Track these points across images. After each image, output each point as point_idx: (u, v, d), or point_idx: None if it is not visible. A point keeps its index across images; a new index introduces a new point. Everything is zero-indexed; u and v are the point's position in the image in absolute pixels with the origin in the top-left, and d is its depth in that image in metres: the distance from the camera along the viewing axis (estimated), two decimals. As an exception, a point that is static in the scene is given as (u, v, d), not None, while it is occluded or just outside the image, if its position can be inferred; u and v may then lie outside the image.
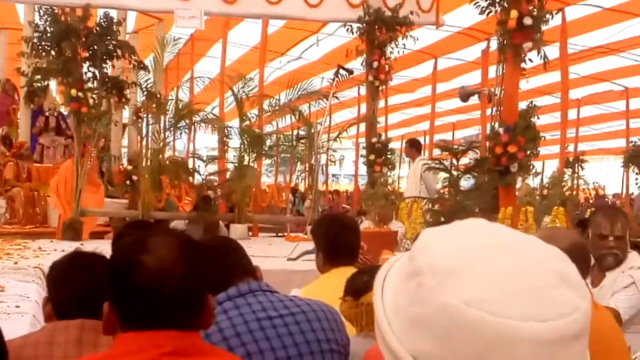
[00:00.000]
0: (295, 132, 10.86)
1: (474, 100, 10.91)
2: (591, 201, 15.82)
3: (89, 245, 5.40)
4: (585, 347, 0.83)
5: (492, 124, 6.67)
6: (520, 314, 0.76)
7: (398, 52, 8.99)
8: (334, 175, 32.24)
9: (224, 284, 2.23)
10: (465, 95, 10.46)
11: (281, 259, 5.79)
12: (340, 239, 3.31)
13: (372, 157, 8.73)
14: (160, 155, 8.66)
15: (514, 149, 6.13)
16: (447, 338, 0.78)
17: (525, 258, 0.82)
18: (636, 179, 12.69)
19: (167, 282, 1.42)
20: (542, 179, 16.44)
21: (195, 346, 1.47)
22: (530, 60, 6.64)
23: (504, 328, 0.75)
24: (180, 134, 9.90)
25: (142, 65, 8.04)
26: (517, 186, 13.82)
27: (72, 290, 2.09)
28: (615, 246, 4.06)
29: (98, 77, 7.73)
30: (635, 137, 13.20)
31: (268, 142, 9.28)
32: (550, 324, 0.77)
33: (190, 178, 8.79)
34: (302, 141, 9.76)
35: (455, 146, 5.83)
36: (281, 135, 10.55)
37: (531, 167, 7.71)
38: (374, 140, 8.83)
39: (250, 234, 8.67)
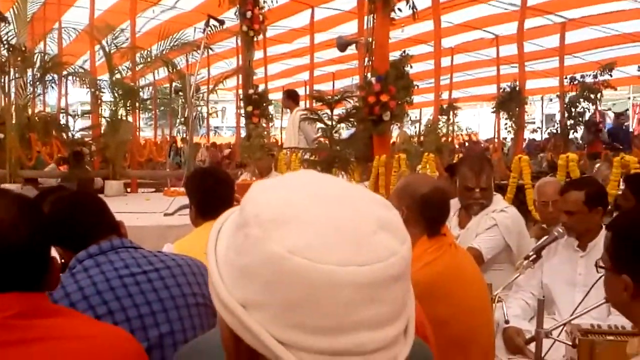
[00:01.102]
0: (172, 84, 10.62)
1: (352, 50, 11.01)
2: (466, 145, 16.42)
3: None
4: (405, 287, 0.87)
5: (365, 73, 6.75)
6: (340, 259, 0.80)
7: (272, 1, 8.90)
8: (216, 128, 31.88)
9: (85, 242, 2.17)
10: (342, 45, 10.51)
11: (158, 215, 5.69)
12: (212, 192, 3.29)
13: (249, 108, 8.67)
14: (30, 112, 8.25)
15: (386, 98, 6.23)
16: (273, 285, 0.81)
17: (348, 207, 0.85)
18: (506, 124, 13.23)
19: (5, 243, 1.37)
20: (419, 127, 16.97)
21: (41, 307, 1.43)
22: (400, 9, 6.73)
23: (325, 273, 0.79)
24: (46, 88, 9.42)
25: (1, 17, 7.57)
26: (396, 134, 14.16)
27: None
28: (481, 197, 4.28)
29: (-47, 31, 7.24)
30: (505, 83, 13.74)
31: (144, 95, 9.02)
32: (368, 267, 0.80)
33: (62, 134, 8.44)
34: (180, 94, 9.56)
35: (329, 96, 5.87)
36: (158, 88, 10.27)
37: (405, 115, 7.91)
38: (251, 91, 8.76)
39: (129, 190, 8.47)
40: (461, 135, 16.35)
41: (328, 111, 5.86)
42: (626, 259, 1.89)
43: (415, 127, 19.00)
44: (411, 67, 9.47)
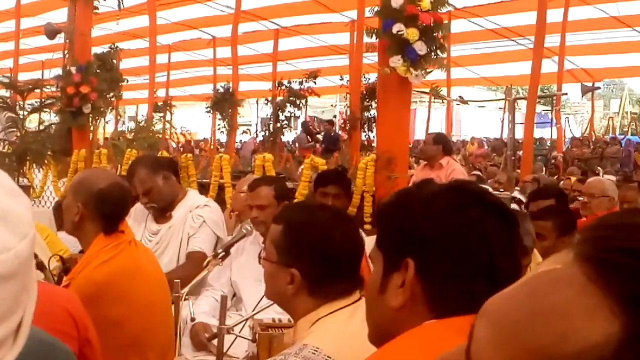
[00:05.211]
0: None
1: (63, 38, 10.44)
2: (180, 145, 16.34)
3: None
4: (19, 288, 0.78)
5: (65, 64, 6.40)
6: None
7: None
8: None
9: None
10: (50, 32, 9.91)
11: None
12: None
13: None
14: None
15: (87, 90, 5.94)
16: None
17: None
18: (218, 124, 13.49)
19: None
20: (136, 123, 16.60)
21: None
22: (106, -1, 6.49)
23: None
24: None
25: None
26: (111, 129, 13.63)
27: None
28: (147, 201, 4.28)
29: None
30: (220, 83, 13.97)
31: None
32: None
33: None
34: None
35: (21, 85, 5.45)
36: None
37: (110, 109, 7.64)
38: None
39: None
40: (176, 134, 16.30)
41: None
42: (297, 252, 1.86)
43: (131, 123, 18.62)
44: (121, 60, 9.24)
